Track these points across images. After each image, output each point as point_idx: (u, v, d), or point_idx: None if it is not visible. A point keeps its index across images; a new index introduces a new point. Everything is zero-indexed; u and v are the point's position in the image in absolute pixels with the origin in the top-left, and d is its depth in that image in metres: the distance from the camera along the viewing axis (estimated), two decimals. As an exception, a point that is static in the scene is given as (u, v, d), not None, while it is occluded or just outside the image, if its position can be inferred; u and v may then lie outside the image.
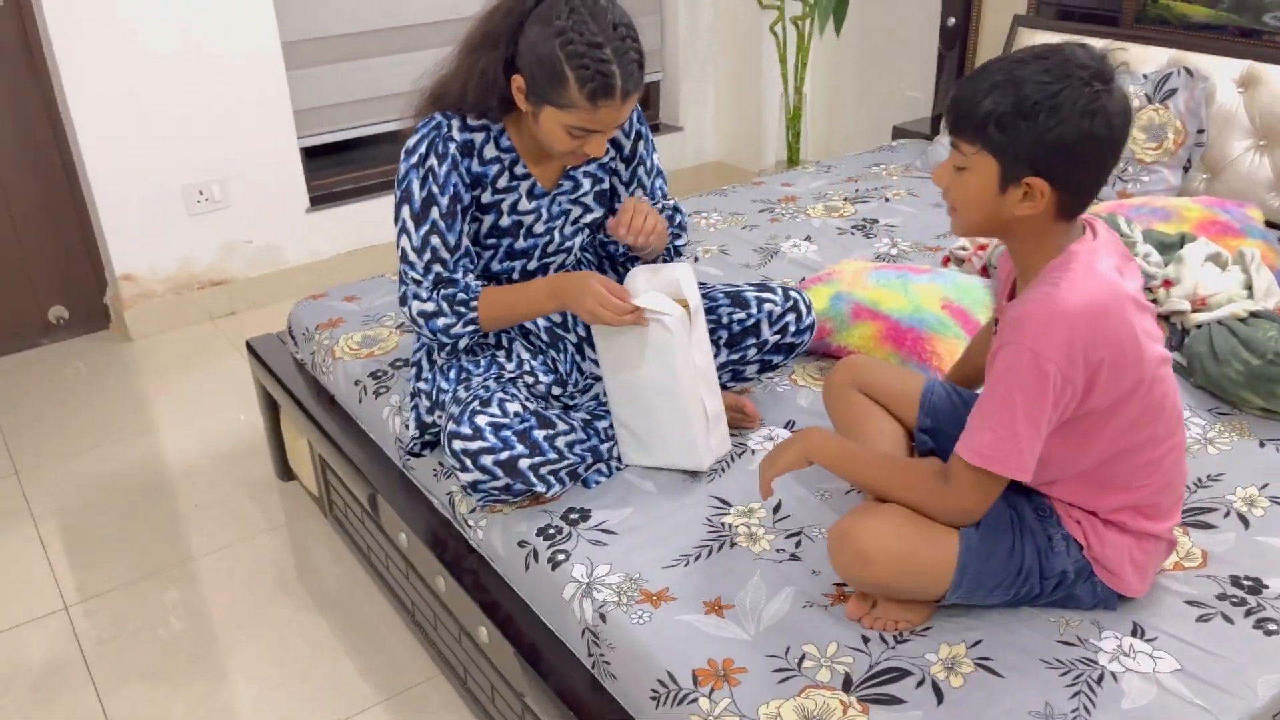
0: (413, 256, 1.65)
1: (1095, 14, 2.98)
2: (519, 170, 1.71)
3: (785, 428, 1.81)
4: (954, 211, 1.33)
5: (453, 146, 1.64)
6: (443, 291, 1.66)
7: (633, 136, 1.80)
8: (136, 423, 2.80)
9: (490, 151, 1.69)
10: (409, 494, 1.84)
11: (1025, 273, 1.33)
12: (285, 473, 2.50)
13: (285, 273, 3.43)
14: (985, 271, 2.19)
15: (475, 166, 1.68)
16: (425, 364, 1.82)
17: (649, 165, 1.84)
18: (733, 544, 1.53)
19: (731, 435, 1.77)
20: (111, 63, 2.91)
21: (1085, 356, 1.22)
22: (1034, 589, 1.36)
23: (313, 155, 3.46)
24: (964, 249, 2.30)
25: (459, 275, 1.68)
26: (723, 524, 1.58)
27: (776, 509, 1.61)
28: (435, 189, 1.63)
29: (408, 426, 1.86)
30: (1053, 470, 1.34)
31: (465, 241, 1.69)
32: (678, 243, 1.86)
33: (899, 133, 3.43)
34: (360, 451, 1.98)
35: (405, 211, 1.65)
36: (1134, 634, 1.35)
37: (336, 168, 3.59)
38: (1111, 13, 2.94)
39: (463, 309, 1.66)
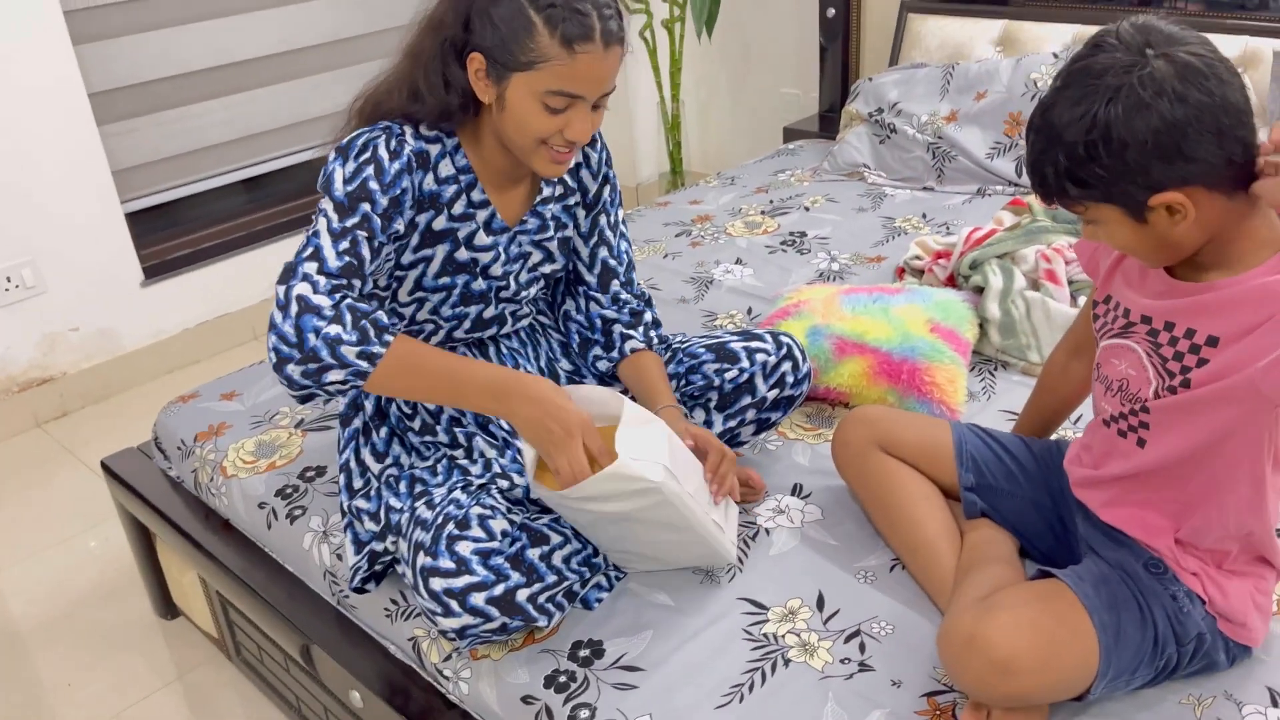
0: (326, 237, 1.23)
1: (984, -6, 2.87)
2: (476, 196, 1.39)
3: (794, 494, 1.56)
4: (1133, 255, 1.14)
5: (407, 149, 1.31)
6: (350, 300, 1.21)
7: (599, 180, 1.52)
8: (-37, 569, 2.30)
9: (446, 168, 1.36)
10: (354, 640, 1.49)
11: (1229, 261, 1.08)
12: (168, 610, 2.08)
13: (123, 359, 2.94)
14: (952, 281, 2.01)
15: (429, 183, 1.35)
16: (355, 469, 1.47)
17: (613, 219, 1.56)
18: (786, 661, 1.26)
19: (740, 511, 1.51)
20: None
21: None
22: (1173, 659, 1.16)
23: (138, 221, 2.98)
24: (919, 258, 2.12)
25: (371, 290, 1.35)
26: (765, 635, 1.31)
27: (820, 604, 1.35)
28: (374, 185, 1.26)
29: (340, 556, 1.51)
30: (1199, 507, 1.14)
31: (382, 277, 1.34)
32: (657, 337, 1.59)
33: (791, 134, 3.25)
34: (278, 590, 1.60)
35: (327, 204, 1.25)
36: (1273, 703, 1.16)
37: (169, 232, 3.12)
38: (1001, -9, 2.83)
39: (372, 332, 1.20)
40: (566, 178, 1.50)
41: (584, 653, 1.30)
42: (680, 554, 1.37)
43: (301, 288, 1.19)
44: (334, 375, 1.19)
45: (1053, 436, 1.49)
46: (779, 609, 1.35)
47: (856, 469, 1.46)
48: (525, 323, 1.56)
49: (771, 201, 2.65)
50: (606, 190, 1.53)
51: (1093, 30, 2.43)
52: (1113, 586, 1.15)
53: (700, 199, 2.73)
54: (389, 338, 1.21)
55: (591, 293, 1.57)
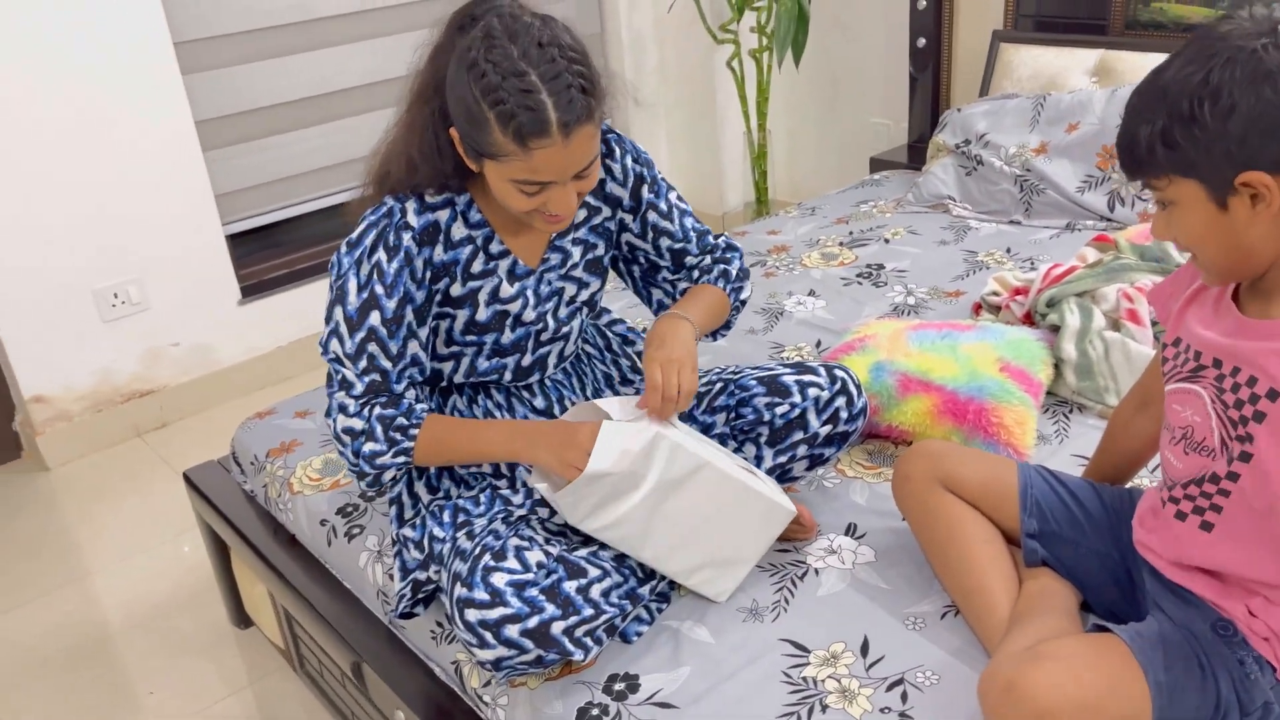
0: (346, 363, 1.34)
1: (1082, 23, 2.78)
2: (495, 248, 1.41)
3: (847, 534, 1.52)
4: (1196, 260, 1.09)
5: (407, 237, 1.33)
6: (378, 411, 1.35)
7: (631, 183, 1.50)
8: (61, 570, 2.42)
9: (459, 231, 1.39)
10: (402, 660, 1.51)
11: None
12: (242, 619, 2.14)
13: (219, 374, 3.07)
14: (1029, 319, 1.94)
15: (441, 254, 1.37)
16: (407, 502, 1.49)
17: (665, 207, 1.54)
18: (824, 708, 1.23)
19: (786, 550, 1.48)
20: (-1, 161, 2.55)
21: None
22: (1235, 730, 1.09)
23: (238, 243, 3.12)
24: (997, 294, 2.05)
25: (401, 388, 1.37)
26: (805, 679, 1.28)
27: (864, 649, 1.31)
28: (380, 290, 1.32)
29: (392, 577, 1.53)
30: (1275, 575, 1.08)
31: (414, 349, 1.37)
32: (735, 288, 1.59)
33: (878, 164, 3.20)
34: (336, 606, 1.64)
35: (338, 314, 1.33)
36: (1345, 781, 1.08)
37: (266, 253, 3.25)
38: (1099, 21, 2.74)
39: (399, 435, 1.35)
40: (590, 199, 1.49)
41: (619, 686, 1.29)
42: (736, 517, 1.37)
43: (340, 420, 1.36)
44: (387, 475, 1.39)
45: (1128, 484, 1.43)
46: (821, 652, 1.32)
47: (916, 505, 1.41)
48: (570, 358, 1.57)
49: (851, 233, 2.62)
50: (644, 189, 1.51)
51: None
52: (1173, 646, 1.09)
53: (779, 229, 2.71)
54: (415, 430, 1.36)
55: (670, 277, 1.59)
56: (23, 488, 2.78)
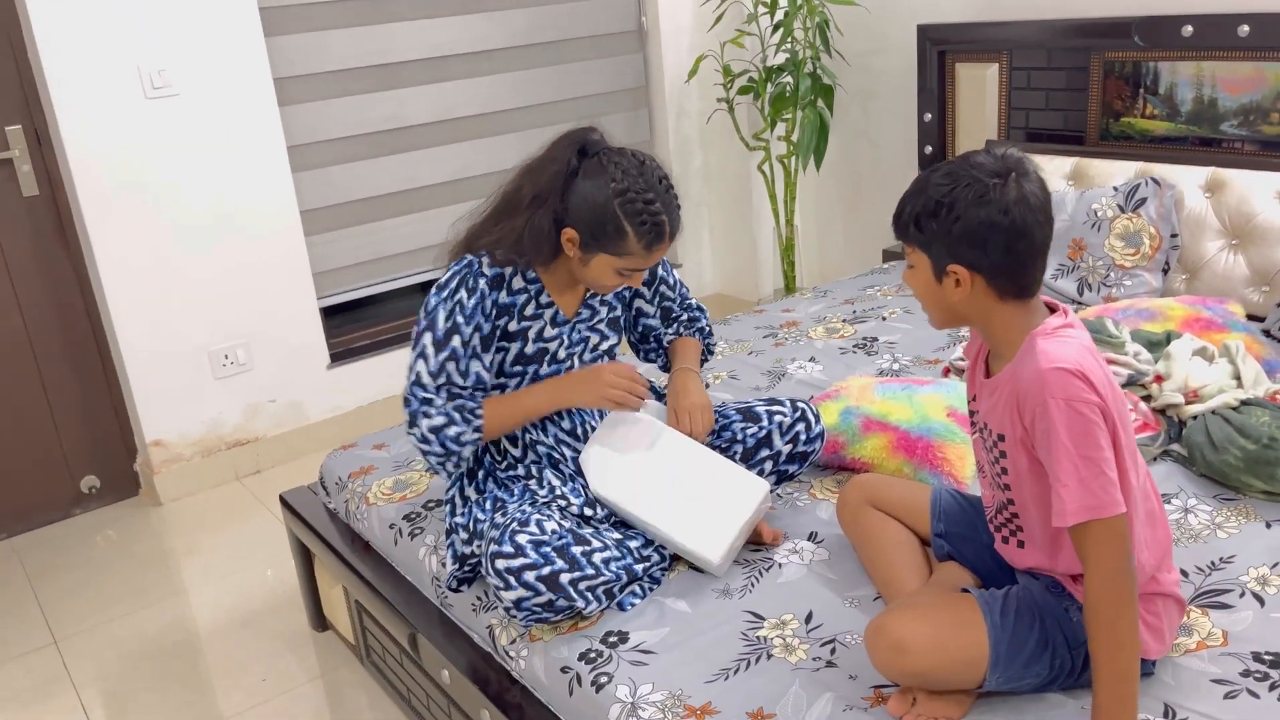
0: (426, 379, 1.75)
1: (1062, 134, 3.18)
2: (544, 299, 1.85)
3: (809, 539, 1.88)
4: (923, 307, 1.47)
5: (483, 282, 1.78)
6: (453, 404, 1.76)
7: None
8: (169, 585, 2.85)
9: (518, 283, 1.83)
10: (448, 631, 1.89)
11: (1000, 350, 1.44)
12: (320, 623, 2.55)
13: (308, 428, 3.53)
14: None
15: (503, 297, 1.81)
16: (459, 500, 1.90)
17: (671, 281, 2.03)
18: (769, 655, 1.58)
19: (759, 550, 1.85)
20: (141, 237, 3.09)
21: (1098, 391, 1.32)
22: (1065, 662, 1.41)
23: (330, 314, 3.62)
24: (962, 360, 2.41)
25: (465, 392, 1.80)
26: (758, 637, 1.63)
27: (808, 619, 1.66)
28: (460, 319, 1.75)
29: (444, 564, 1.92)
30: (1063, 538, 1.41)
31: (479, 371, 1.80)
32: (708, 341, 2.08)
33: (889, 255, 3.60)
34: (398, 593, 2.03)
35: (428, 338, 1.75)
36: (1165, 715, 1.39)
37: (353, 324, 3.74)
38: (1077, 133, 3.14)
39: (470, 416, 1.77)
40: None
41: (612, 638, 1.66)
42: (717, 485, 1.79)
43: (425, 423, 1.74)
44: (467, 452, 1.78)
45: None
46: (774, 620, 1.67)
47: (850, 520, 1.78)
48: None
49: (855, 311, 3.00)
50: (659, 269, 2.01)
51: (1155, 168, 2.74)
52: (1013, 600, 1.43)
53: (793, 308, 3.11)
54: (480, 411, 1.78)
55: (659, 328, 2.06)
56: (139, 519, 3.25)
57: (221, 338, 3.31)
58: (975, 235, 1.34)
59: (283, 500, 2.49)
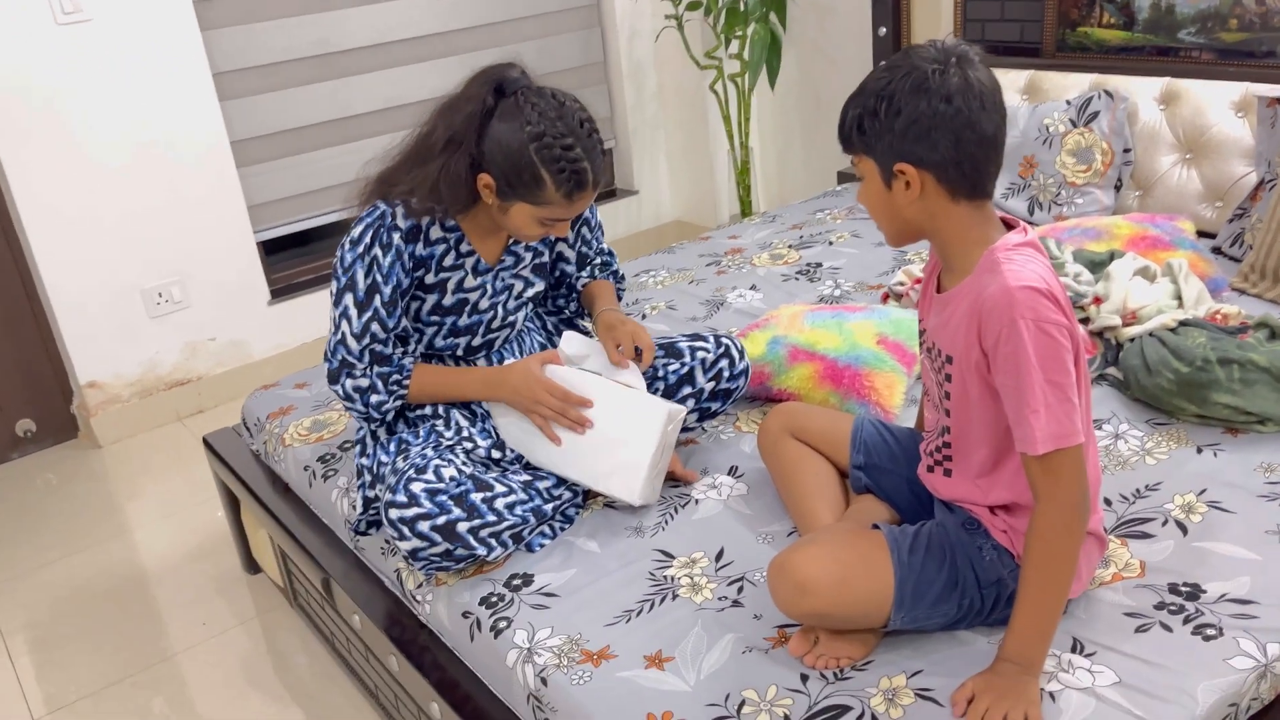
0: (351, 342, 1.68)
1: (1018, 46, 3.05)
2: (464, 248, 1.75)
3: (729, 474, 1.81)
4: (877, 225, 1.38)
5: (397, 236, 1.67)
6: (377, 369, 1.70)
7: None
8: (107, 529, 2.80)
9: (436, 233, 1.72)
10: (361, 575, 1.84)
11: (954, 264, 1.34)
12: (251, 566, 2.50)
13: (251, 367, 3.45)
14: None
15: (420, 250, 1.71)
16: (369, 441, 1.83)
17: (594, 223, 1.94)
18: (675, 596, 1.53)
19: (678, 486, 1.78)
20: (61, 175, 2.97)
21: (1066, 313, 1.24)
22: (975, 601, 1.36)
23: (271, 250, 3.51)
24: (901, 283, 2.33)
25: (391, 352, 1.71)
26: (665, 577, 1.57)
27: (719, 557, 1.61)
28: (379, 278, 1.66)
29: (354, 506, 1.86)
30: (998, 470, 1.35)
31: (403, 323, 1.72)
32: (620, 286, 2.00)
33: (844, 178, 3.49)
34: (314, 537, 1.98)
35: (349, 299, 1.67)
36: (1073, 650, 1.34)
37: (295, 259, 3.64)
38: (1033, 44, 3.01)
39: (395, 386, 1.72)
40: None
41: (516, 581, 1.60)
42: (631, 410, 1.71)
43: (348, 382, 1.69)
44: (389, 416, 1.76)
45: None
46: (683, 559, 1.61)
47: (770, 451, 1.71)
48: (512, 341, 1.91)
49: (801, 237, 2.91)
50: (586, 212, 1.90)
51: (1110, 80, 2.62)
52: (923, 536, 1.37)
53: (739, 234, 3.01)
54: (406, 382, 1.72)
55: (574, 272, 1.96)
56: (78, 461, 3.18)
57: (154, 275, 3.21)
58: (919, 126, 1.24)
59: (205, 442, 2.42)
